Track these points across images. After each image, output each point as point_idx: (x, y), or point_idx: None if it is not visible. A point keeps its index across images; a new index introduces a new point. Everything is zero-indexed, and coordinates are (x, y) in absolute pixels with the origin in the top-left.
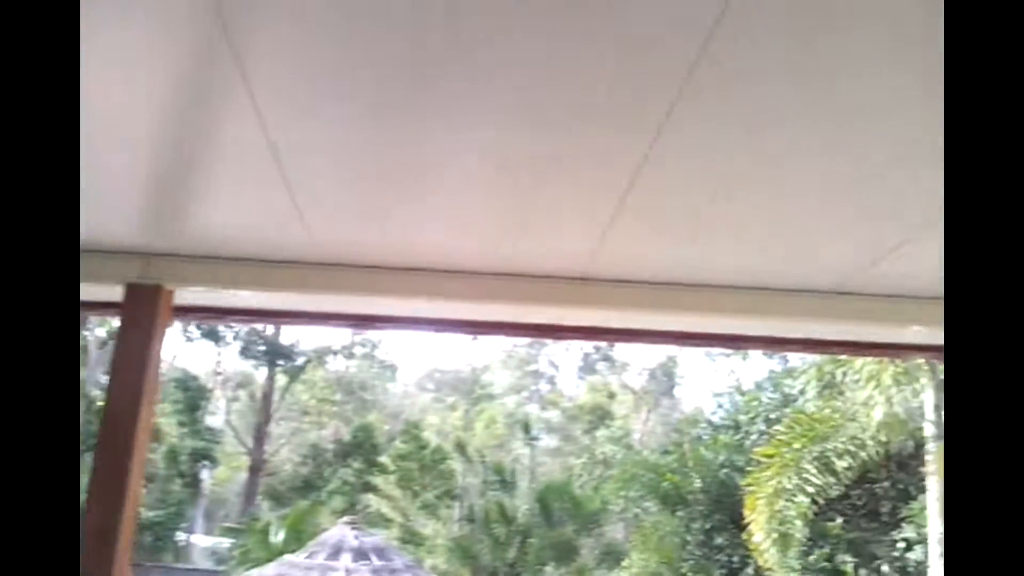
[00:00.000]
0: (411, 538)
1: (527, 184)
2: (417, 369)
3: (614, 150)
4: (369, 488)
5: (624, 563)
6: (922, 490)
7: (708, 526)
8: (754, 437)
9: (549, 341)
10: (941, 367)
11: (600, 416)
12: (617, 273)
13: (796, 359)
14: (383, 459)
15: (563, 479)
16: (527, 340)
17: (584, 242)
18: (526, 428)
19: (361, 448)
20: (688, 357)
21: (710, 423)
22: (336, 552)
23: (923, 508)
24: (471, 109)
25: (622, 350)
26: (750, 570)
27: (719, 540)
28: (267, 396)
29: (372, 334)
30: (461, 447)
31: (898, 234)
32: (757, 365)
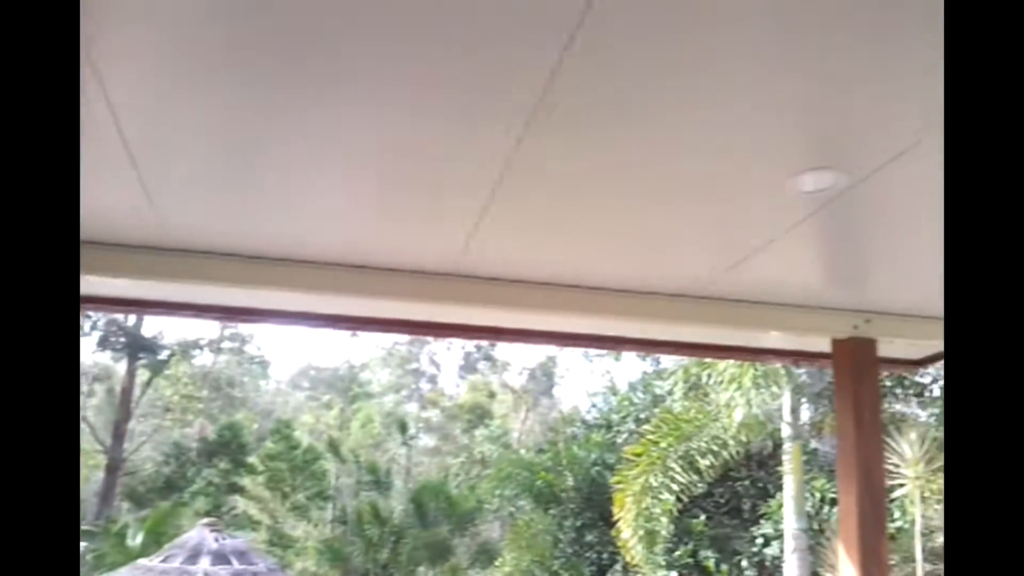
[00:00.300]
0: (280, 540)
1: (396, 175)
2: (291, 366)
3: (481, 145)
4: (236, 489)
5: (497, 562)
6: (779, 488)
7: (579, 523)
8: (625, 436)
9: (429, 338)
10: (797, 371)
11: (479, 415)
12: (490, 271)
13: (668, 361)
14: (251, 459)
15: (439, 479)
16: (408, 338)
17: (455, 238)
18: (403, 427)
19: (228, 447)
20: (567, 357)
21: (584, 422)
22: (194, 556)
23: (780, 505)
24: (337, 96)
25: (504, 349)
26: (619, 567)
27: (589, 537)
28: (127, 391)
29: (243, 328)
30: (335, 447)
31: (750, 244)
32: (631, 366)
